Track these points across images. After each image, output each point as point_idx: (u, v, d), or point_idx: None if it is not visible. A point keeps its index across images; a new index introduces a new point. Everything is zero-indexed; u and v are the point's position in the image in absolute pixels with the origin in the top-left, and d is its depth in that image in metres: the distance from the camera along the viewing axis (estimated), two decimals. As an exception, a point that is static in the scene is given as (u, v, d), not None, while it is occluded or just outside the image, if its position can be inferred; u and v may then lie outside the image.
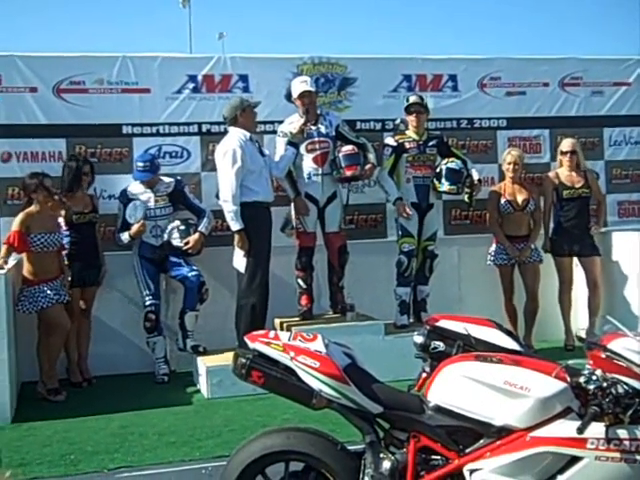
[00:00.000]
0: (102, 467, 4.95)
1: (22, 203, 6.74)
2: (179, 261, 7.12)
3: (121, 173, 7.41)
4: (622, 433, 2.82)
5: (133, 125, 7.48)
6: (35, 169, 6.80)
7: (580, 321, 7.99)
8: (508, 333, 3.63)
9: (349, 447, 3.29)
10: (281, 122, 7.24)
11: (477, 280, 8.05)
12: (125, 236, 7.09)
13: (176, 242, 7.05)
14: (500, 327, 3.63)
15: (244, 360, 3.24)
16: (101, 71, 7.42)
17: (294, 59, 7.88)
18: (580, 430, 2.80)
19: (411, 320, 7.44)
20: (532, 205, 7.82)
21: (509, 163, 7.83)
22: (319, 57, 7.95)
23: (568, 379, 2.93)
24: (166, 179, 7.28)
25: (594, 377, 2.86)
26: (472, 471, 3.00)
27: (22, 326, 6.58)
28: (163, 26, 52.88)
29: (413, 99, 7.47)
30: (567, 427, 2.86)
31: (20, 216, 6.41)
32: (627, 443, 2.82)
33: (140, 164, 7.14)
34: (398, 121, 7.61)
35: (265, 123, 7.47)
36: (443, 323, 3.61)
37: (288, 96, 7.46)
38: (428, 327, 3.61)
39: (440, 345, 3.50)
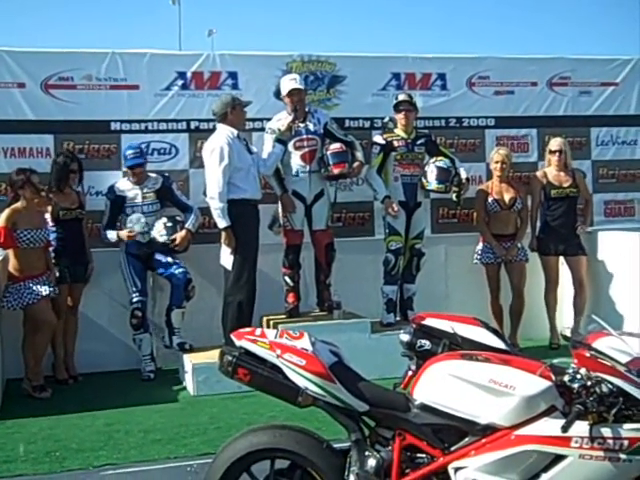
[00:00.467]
0: (87, 464, 4.94)
1: (7, 199, 6.71)
2: (166, 258, 7.10)
3: (109, 169, 7.39)
4: (606, 432, 2.84)
5: (121, 122, 7.45)
6: (22, 165, 6.76)
7: (565, 320, 8.01)
8: (494, 332, 3.64)
9: (335, 445, 3.30)
10: (269, 119, 7.23)
11: (464, 279, 8.07)
12: (112, 235, 7.07)
13: (163, 239, 7.03)
14: (486, 326, 3.64)
15: (230, 358, 3.24)
16: (90, 67, 7.39)
17: (283, 57, 7.87)
18: (564, 428, 2.81)
19: (397, 318, 7.46)
20: (519, 204, 7.85)
21: (497, 162, 7.85)
22: (308, 55, 7.95)
23: (553, 378, 2.94)
24: (154, 175, 7.26)
25: (578, 376, 2.87)
26: (457, 469, 3.01)
27: (7, 322, 6.56)
28: (153, 23, 52.62)
29: (402, 97, 7.48)
30: (551, 425, 2.87)
31: (6, 212, 6.38)
32: (611, 442, 2.83)
33: (130, 152, 7.13)
34: (387, 119, 7.61)
35: (254, 120, 7.46)
36: (429, 321, 3.61)
37: (277, 93, 7.46)
38: (414, 325, 3.62)
39: (426, 343, 3.51)
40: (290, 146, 7.06)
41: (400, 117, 7.42)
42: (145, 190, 7.16)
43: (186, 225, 7.08)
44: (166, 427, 5.63)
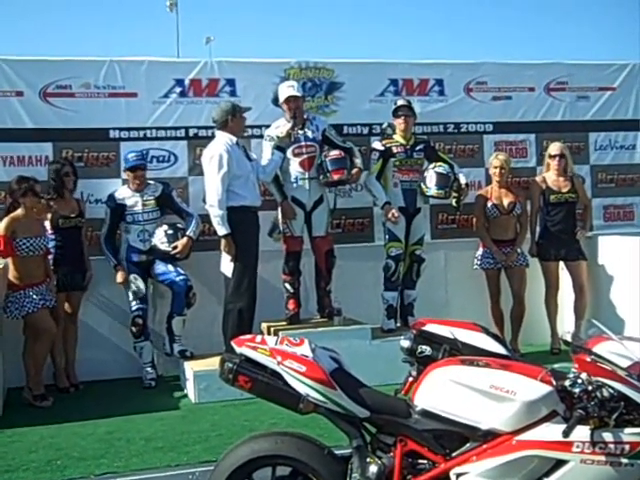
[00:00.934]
0: (89, 473, 4.92)
1: (4, 207, 6.70)
2: (166, 265, 7.11)
3: (108, 177, 7.40)
4: (607, 436, 2.84)
5: (120, 129, 7.46)
6: (21, 173, 6.75)
7: (566, 325, 8.01)
8: (494, 337, 3.64)
9: (336, 451, 3.30)
10: (268, 126, 7.23)
11: (464, 284, 8.07)
12: (113, 263, 7.12)
13: (164, 246, 7.03)
14: (486, 331, 3.65)
15: (231, 365, 3.25)
16: (88, 75, 7.40)
17: (281, 63, 7.89)
18: (566, 433, 2.82)
19: (398, 324, 7.46)
20: (518, 209, 7.85)
21: (496, 167, 7.86)
22: (306, 62, 7.96)
23: (554, 383, 2.94)
24: (153, 183, 7.27)
25: (579, 381, 2.87)
26: (458, 475, 3.02)
27: (7, 331, 6.55)
28: (151, 30, 52.75)
29: (401, 102, 7.50)
30: (553, 430, 2.88)
31: (5, 220, 6.38)
32: (612, 446, 2.83)
33: (132, 154, 7.14)
34: (385, 125, 7.61)
35: (252, 127, 7.47)
36: (430, 327, 3.62)
37: (275, 100, 7.47)
38: (415, 331, 3.62)
39: (427, 349, 3.51)
40: (289, 153, 7.07)
41: (399, 122, 7.43)
42: (145, 198, 7.17)
43: (187, 232, 7.08)
44: (167, 435, 5.61)
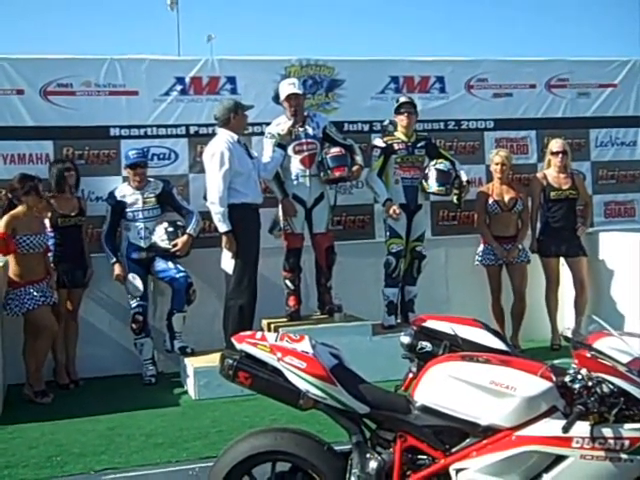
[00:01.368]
0: (89, 469, 4.93)
1: (3, 205, 6.69)
2: (167, 262, 7.11)
3: (109, 175, 7.39)
4: (607, 432, 2.84)
5: (121, 127, 7.45)
6: (22, 171, 6.74)
7: (567, 321, 8.01)
8: (495, 333, 3.65)
9: (336, 447, 3.31)
10: (269, 124, 7.23)
11: (464, 280, 8.07)
12: (112, 260, 7.11)
13: (164, 244, 7.04)
14: (487, 327, 3.65)
15: (231, 361, 3.25)
16: (88, 73, 7.39)
17: (282, 61, 7.88)
18: (565, 429, 2.82)
19: (398, 321, 7.46)
20: (520, 205, 7.85)
21: (497, 164, 7.85)
22: (307, 59, 7.95)
23: (554, 378, 2.95)
24: (154, 180, 7.27)
25: (579, 376, 2.88)
26: (458, 470, 3.02)
27: (8, 328, 6.56)
28: (151, 28, 52.76)
29: (403, 99, 7.50)
30: (552, 426, 2.88)
31: (5, 218, 6.37)
32: (612, 442, 2.84)
33: (133, 152, 7.14)
34: (386, 122, 7.61)
35: (253, 125, 7.45)
36: (430, 323, 3.62)
37: (276, 98, 7.47)
38: (415, 328, 3.63)
39: (427, 345, 3.52)
40: (290, 150, 7.07)
41: (402, 118, 7.41)
42: (146, 195, 7.16)
43: (187, 230, 7.09)
44: (168, 431, 5.62)
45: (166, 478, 4.83)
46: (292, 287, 7.19)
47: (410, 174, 7.45)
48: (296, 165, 7.12)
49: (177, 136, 7.60)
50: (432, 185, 7.38)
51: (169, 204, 7.29)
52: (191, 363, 6.70)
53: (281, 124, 7.05)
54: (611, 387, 2.84)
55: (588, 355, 2.95)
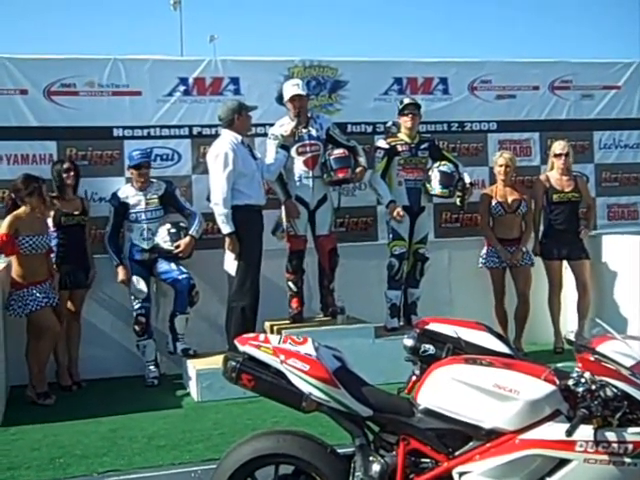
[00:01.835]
0: (91, 471, 4.94)
1: (5, 205, 6.67)
2: (169, 264, 7.11)
3: (112, 176, 7.40)
4: (610, 435, 2.83)
5: (124, 128, 7.46)
6: (25, 172, 6.74)
7: (570, 324, 7.99)
8: (498, 336, 3.64)
9: (339, 450, 3.30)
10: (272, 125, 7.23)
11: (467, 283, 8.06)
12: (115, 263, 7.12)
13: (167, 245, 7.04)
14: (490, 330, 3.64)
15: (234, 363, 3.24)
16: (92, 74, 7.40)
17: (285, 62, 7.88)
18: (569, 432, 2.81)
19: (401, 323, 7.45)
20: (523, 207, 7.84)
21: (500, 165, 7.85)
22: (310, 60, 7.96)
23: (557, 382, 2.94)
24: (156, 182, 7.27)
25: (583, 380, 2.87)
26: (461, 474, 3.01)
27: (11, 329, 6.56)
28: (154, 29, 52.88)
29: (408, 100, 7.49)
30: (556, 430, 2.87)
31: (8, 219, 6.37)
32: (615, 445, 2.83)
33: (136, 152, 7.14)
34: (390, 124, 7.61)
35: (256, 126, 7.44)
36: (433, 326, 3.61)
37: (279, 99, 7.47)
38: (418, 330, 3.62)
39: (430, 348, 3.51)
40: (293, 152, 7.06)
41: (406, 120, 7.40)
42: (148, 196, 7.16)
43: (190, 232, 7.08)
44: (170, 433, 5.62)
45: (168, 480, 4.83)
46: (295, 289, 7.19)
47: (413, 176, 7.44)
48: (299, 166, 7.11)
49: (180, 137, 7.61)
50: (435, 187, 7.37)
51: (172, 205, 7.29)
52: (193, 365, 6.70)
53: (284, 125, 7.05)
54: (615, 391, 2.83)
55: (591, 358, 2.94)
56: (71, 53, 7.62)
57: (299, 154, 7.10)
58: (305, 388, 3.14)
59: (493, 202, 7.83)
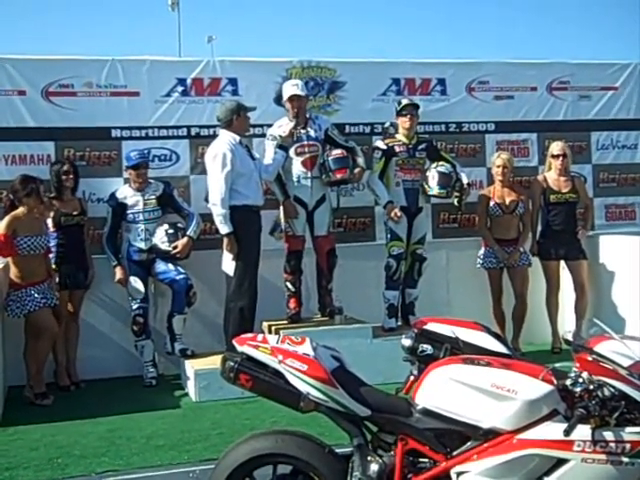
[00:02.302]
0: (90, 471, 4.93)
1: (4, 206, 6.67)
2: (167, 264, 7.11)
3: (110, 176, 7.40)
4: (608, 435, 2.84)
5: (122, 128, 7.46)
6: (23, 172, 6.74)
7: (567, 324, 8.01)
8: (496, 336, 3.65)
9: (337, 450, 3.30)
10: (270, 125, 7.23)
11: (465, 283, 8.07)
12: (113, 263, 7.12)
13: (164, 246, 7.04)
14: (488, 330, 3.65)
15: (232, 363, 3.25)
16: (90, 74, 7.40)
17: (283, 63, 7.89)
18: (567, 432, 2.82)
19: (399, 323, 7.47)
20: (521, 208, 7.85)
21: (498, 166, 7.86)
22: (308, 61, 7.96)
23: (555, 382, 2.94)
24: (154, 182, 7.27)
25: (580, 380, 2.87)
26: (459, 474, 3.02)
27: (9, 329, 6.56)
28: (152, 29, 52.83)
29: (406, 101, 7.50)
30: (554, 429, 2.88)
31: (6, 219, 6.37)
32: (613, 445, 2.83)
33: (134, 153, 7.14)
34: (387, 124, 7.62)
35: (254, 126, 7.43)
36: (431, 326, 3.62)
37: (277, 99, 7.48)
38: (416, 330, 3.63)
39: (428, 348, 3.52)
40: (291, 152, 7.06)
41: (404, 121, 7.40)
42: (146, 197, 7.17)
43: (187, 232, 7.08)
44: (168, 433, 5.62)
45: (167, 480, 4.83)
46: (293, 289, 7.19)
47: (411, 176, 7.45)
48: (298, 167, 7.12)
49: (178, 137, 7.61)
50: (433, 188, 7.38)
51: (170, 206, 7.29)
52: (192, 365, 6.70)
53: (283, 126, 7.05)
54: (612, 390, 2.84)
55: (589, 358, 2.94)
56: (68, 53, 7.65)
57: (297, 155, 7.11)
58: (303, 388, 3.14)
59: (491, 203, 7.84)
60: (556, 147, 7.97)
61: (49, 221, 6.81)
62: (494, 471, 2.94)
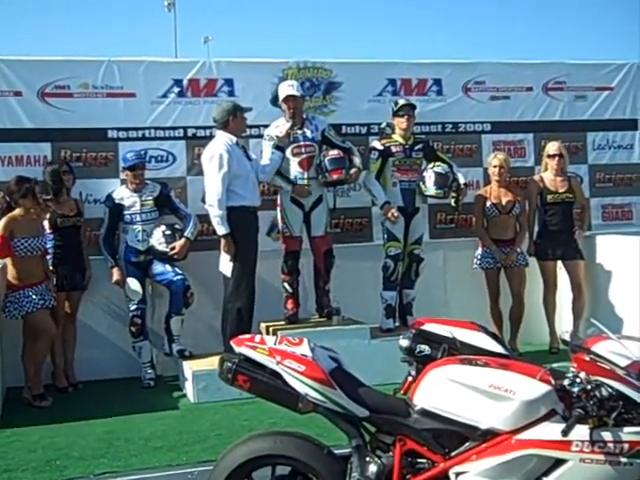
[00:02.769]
0: (88, 473, 4.93)
1: (1, 208, 6.67)
2: (164, 265, 7.11)
3: (106, 177, 7.39)
4: (606, 435, 2.85)
5: (118, 129, 7.46)
6: (20, 173, 6.73)
7: (565, 324, 8.01)
8: (493, 336, 3.65)
9: (335, 451, 3.30)
10: (266, 126, 7.22)
11: (463, 284, 8.07)
12: (111, 264, 7.11)
13: (162, 247, 7.03)
14: (485, 330, 3.65)
15: (230, 364, 3.25)
16: (86, 75, 7.40)
17: (279, 63, 7.89)
18: (565, 432, 2.82)
19: (397, 324, 7.46)
20: (518, 208, 7.86)
21: (495, 167, 7.86)
22: (304, 62, 7.97)
23: (552, 382, 2.95)
24: (151, 183, 7.26)
25: (578, 380, 2.88)
26: (458, 474, 3.02)
27: (7, 331, 6.56)
28: (148, 30, 52.71)
29: (403, 102, 7.50)
30: (552, 430, 2.88)
31: (3, 220, 6.36)
32: (611, 445, 2.84)
33: (131, 154, 7.13)
34: (384, 125, 7.62)
35: (251, 127, 7.43)
36: (428, 327, 3.62)
37: (273, 100, 7.48)
38: (414, 331, 3.62)
39: (426, 349, 3.52)
40: (288, 153, 7.06)
41: (401, 121, 7.40)
42: (143, 198, 7.16)
43: (185, 233, 7.08)
44: (167, 434, 5.62)
45: (165, 481, 4.83)
46: (290, 290, 7.19)
47: (408, 177, 7.45)
48: (294, 168, 7.12)
49: (175, 138, 7.61)
50: (430, 188, 7.39)
51: (167, 207, 7.28)
52: (190, 366, 6.70)
53: (280, 126, 7.05)
54: (610, 390, 2.84)
55: (587, 358, 2.94)
56: (66, 53, 7.67)
57: (294, 155, 7.11)
58: (301, 389, 3.15)
59: (487, 203, 7.85)
60: (552, 147, 7.98)
61: (45, 223, 6.80)
62: (492, 471, 2.95)
